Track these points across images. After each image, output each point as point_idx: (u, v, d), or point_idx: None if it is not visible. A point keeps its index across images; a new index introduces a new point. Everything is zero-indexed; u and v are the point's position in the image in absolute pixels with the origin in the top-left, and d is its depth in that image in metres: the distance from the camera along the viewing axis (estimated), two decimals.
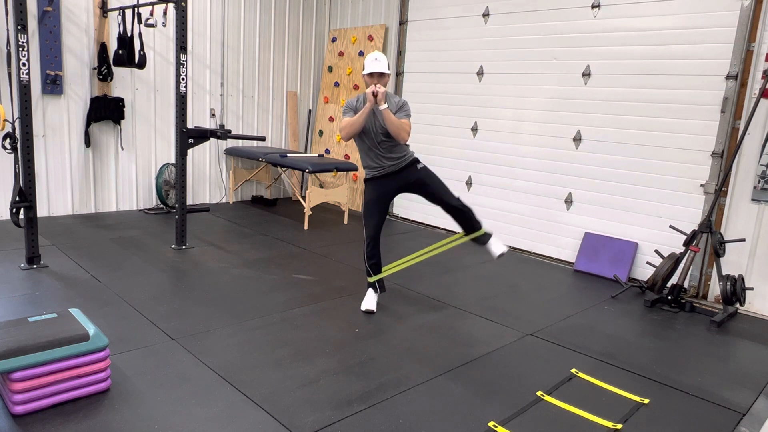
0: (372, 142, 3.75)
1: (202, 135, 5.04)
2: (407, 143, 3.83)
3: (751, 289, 4.33)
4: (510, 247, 5.89)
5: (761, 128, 4.27)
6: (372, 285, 3.92)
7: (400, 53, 6.95)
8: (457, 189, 6.32)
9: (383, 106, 3.57)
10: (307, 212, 6.19)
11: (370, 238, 3.80)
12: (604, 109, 5.16)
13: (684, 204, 4.73)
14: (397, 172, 3.81)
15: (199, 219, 6.16)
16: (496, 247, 3.93)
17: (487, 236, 3.96)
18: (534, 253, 5.75)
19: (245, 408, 2.57)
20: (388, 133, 3.67)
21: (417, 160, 3.87)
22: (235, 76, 7.08)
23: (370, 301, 3.89)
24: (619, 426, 2.64)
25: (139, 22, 5.57)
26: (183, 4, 4.67)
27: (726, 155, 4.49)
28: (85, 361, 2.49)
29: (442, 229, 6.47)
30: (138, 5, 5.47)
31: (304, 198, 6.48)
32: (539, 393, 2.90)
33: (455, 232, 4.13)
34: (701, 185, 4.63)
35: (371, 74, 3.68)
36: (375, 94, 3.55)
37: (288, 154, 6.56)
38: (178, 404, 2.56)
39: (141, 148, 6.35)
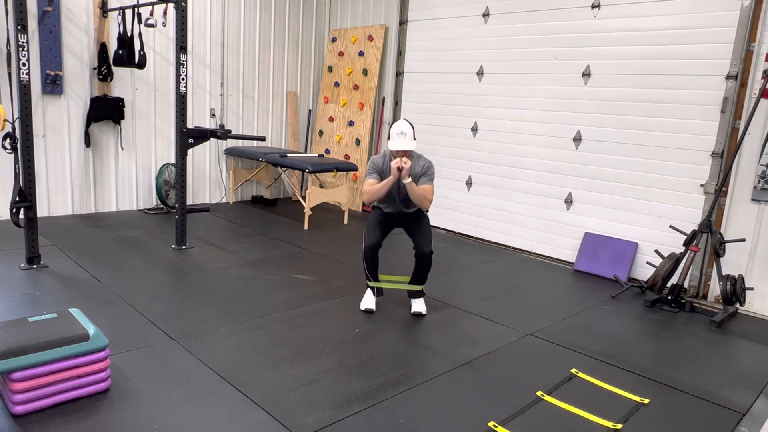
0: (392, 201, 3.86)
1: (202, 135, 5.04)
2: None
3: (751, 289, 4.33)
4: (510, 247, 5.91)
5: (761, 128, 4.27)
6: (371, 288, 3.94)
7: (400, 53, 6.95)
8: (457, 189, 6.35)
9: (407, 180, 3.63)
10: (307, 212, 6.19)
11: (368, 249, 3.81)
12: (604, 109, 5.16)
13: (684, 204, 4.73)
14: (405, 215, 3.93)
15: (199, 219, 6.16)
16: (419, 305, 3.92)
17: (421, 293, 3.97)
18: (534, 253, 5.75)
19: (245, 408, 2.57)
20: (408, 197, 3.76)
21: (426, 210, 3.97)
22: (235, 76, 7.08)
23: (369, 300, 3.90)
24: (619, 426, 2.64)
25: (139, 22, 5.56)
26: (183, 4, 4.67)
27: (726, 155, 4.49)
28: (85, 361, 2.49)
29: (443, 229, 6.47)
30: (138, 5, 5.47)
31: (304, 198, 6.48)
32: (539, 393, 2.90)
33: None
34: (701, 185, 4.63)
35: (396, 150, 3.66)
36: (400, 169, 3.58)
37: (288, 154, 6.56)
38: (178, 404, 2.55)
39: (141, 148, 6.35)
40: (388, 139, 3.72)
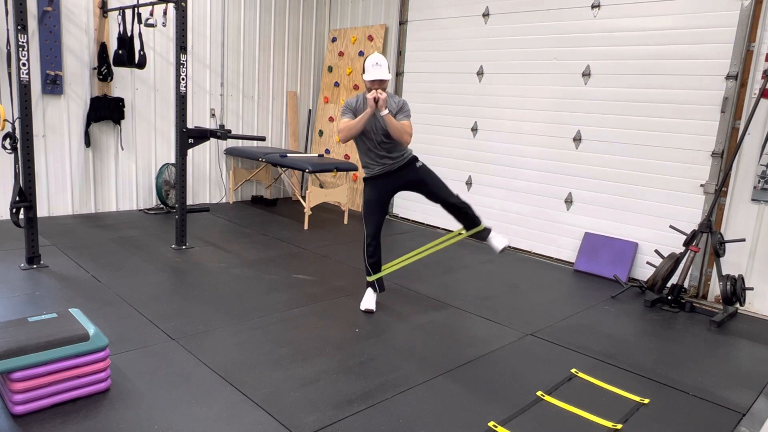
0: (372, 143, 3.75)
1: (202, 135, 5.04)
2: None
3: (751, 289, 4.33)
4: (510, 247, 5.91)
5: (761, 128, 4.27)
6: (371, 284, 3.92)
7: (400, 53, 6.95)
8: (457, 189, 6.34)
9: (384, 112, 3.57)
10: (307, 212, 6.19)
11: (371, 236, 3.80)
12: (604, 109, 5.16)
13: (684, 204, 4.73)
14: (396, 170, 3.82)
15: (199, 219, 6.16)
16: (497, 241, 3.95)
17: (487, 231, 3.98)
18: (534, 253, 5.75)
19: (245, 408, 2.57)
20: (389, 134, 3.67)
21: (416, 159, 3.88)
22: (235, 76, 7.08)
23: (369, 300, 3.89)
24: (619, 426, 2.64)
25: (139, 22, 5.56)
26: (183, 4, 4.67)
27: (726, 155, 4.49)
28: (85, 361, 2.49)
29: (443, 228, 6.47)
30: (138, 5, 5.47)
31: (304, 198, 6.48)
32: (539, 393, 2.90)
33: (454, 231, 4.12)
34: (701, 185, 4.63)
35: (372, 81, 3.65)
36: (376, 100, 3.53)
37: (288, 154, 6.56)
38: (178, 404, 2.55)
39: (141, 148, 6.35)
40: (363, 72, 3.70)
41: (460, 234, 4.05)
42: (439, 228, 6.51)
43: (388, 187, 3.88)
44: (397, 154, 3.79)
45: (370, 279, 3.91)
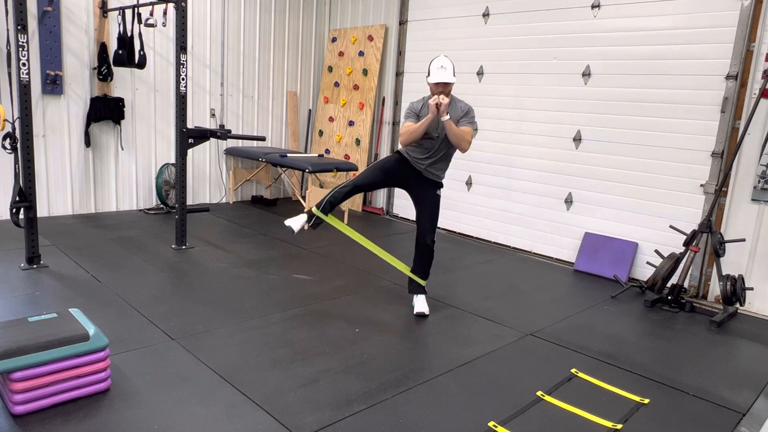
0: (430, 144, 3.72)
1: (202, 135, 5.04)
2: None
3: (751, 289, 4.33)
4: (510, 247, 5.91)
5: (761, 128, 4.27)
6: (312, 214, 3.81)
7: (400, 53, 6.95)
8: (457, 189, 6.35)
9: (445, 117, 3.53)
10: None
11: (352, 185, 3.73)
12: (604, 109, 5.16)
13: (684, 204, 4.73)
14: (421, 175, 3.81)
15: (199, 219, 6.16)
16: (421, 304, 3.87)
17: (422, 289, 3.92)
18: (534, 253, 5.75)
19: (245, 408, 2.57)
20: (448, 140, 3.65)
21: (441, 185, 3.89)
22: (235, 76, 7.08)
23: (298, 221, 3.80)
24: (619, 426, 2.64)
25: (139, 22, 5.57)
26: (183, 4, 4.67)
27: (726, 155, 4.49)
28: (85, 361, 2.49)
29: (443, 229, 6.47)
30: (138, 5, 5.47)
31: (304, 198, 6.48)
32: (539, 393, 2.90)
33: (404, 266, 4.04)
34: (701, 185, 4.63)
35: (436, 83, 3.58)
36: (438, 105, 3.49)
37: (288, 154, 6.56)
38: (178, 404, 2.55)
39: (141, 148, 6.35)
40: (428, 75, 3.63)
41: (405, 269, 3.97)
42: (439, 228, 6.49)
43: (402, 175, 3.84)
44: (437, 168, 3.79)
45: (314, 211, 3.79)
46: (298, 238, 5.73)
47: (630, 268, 4.98)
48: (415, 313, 3.87)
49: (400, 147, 3.84)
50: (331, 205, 3.78)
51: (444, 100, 3.50)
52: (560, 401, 2.83)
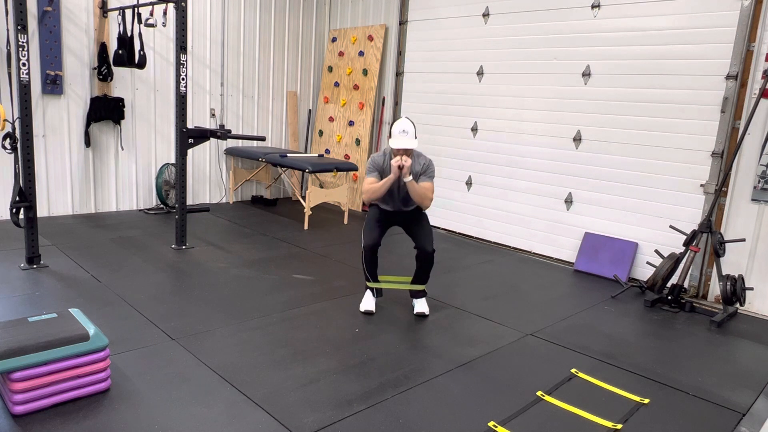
0: (393, 197, 3.83)
1: (202, 135, 5.04)
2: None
3: (751, 289, 4.33)
4: (510, 247, 5.91)
5: (761, 128, 4.27)
6: (368, 287, 3.94)
7: (400, 53, 6.95)
8: (457, 189, 6.35)
9: (408, 179, 3.61)
10: (307, 212, 6.19)
11: (367, 249, 3.80)
12: (604, 109, 5.16)
13: (684, 204, 4.73)
14: (402, 211, 3.91)
15: (199, 219, 6.16)
16: (421, 305, 3.91)
17: (423, 293, 3.96)
18: (534, 253, 5.75)
19: (245, 408, 2.57)
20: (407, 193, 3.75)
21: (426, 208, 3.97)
22: (235, 76, 7.08)
23: (368, 302, 3.90)
24: (619, 426, 2.64)
25: (139, 22, 5.57)
26: (183, 4, 4.67)
27: (726, 155, 4.49)
28: (85, 361, 2.49)
29: (443, 229, 6.47)
30: (138, 5, 5.47)
31: (304, 198, 6.49)
32: (539, 393, 2.90)
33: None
34: (701, 185, 4.63)
35: (397, 149, 3.64)
36: (400, 167, 3.56)
37: (288, 154, 6.56)
38: (178, 404, 2.56)
39: (141, 148, 6.35)
40: (389, 137, 3.70)
41: (405, 284, 4.04)
42: (439, 228, 6.51)
43: (392, 220, 3.95)
44: (411, 204, 3.88)
45: (369, 285, 3.92)
46: (298, 238, 5.73)
47: (630, 268, 4.98)
48: (415, 313, 3.88)
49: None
50: (370, 273, 3.87)
51: (406, 162, 3.55)
52: (560, 401, 2.83)
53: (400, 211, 3.92)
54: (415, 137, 3.67)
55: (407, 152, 3.64)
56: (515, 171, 5.85)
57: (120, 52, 5.67)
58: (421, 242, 3.82)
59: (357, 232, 6.07)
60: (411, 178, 3.63)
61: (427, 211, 4.01)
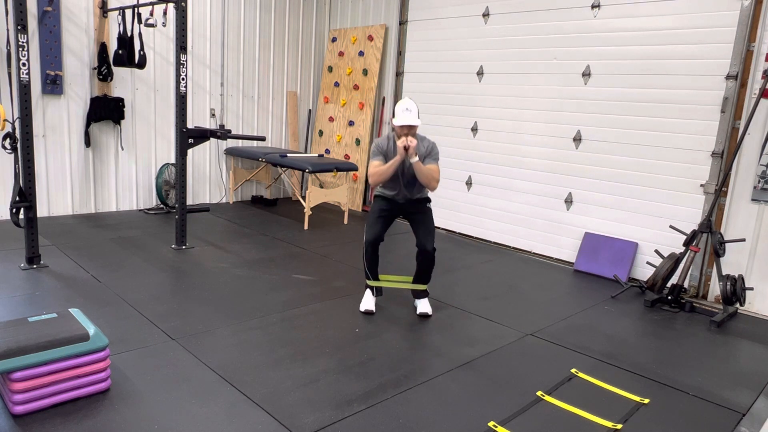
0: (399, 180, 3.82)
1: (202, 135, 5.04)
2: None
3: (751, 289, 4.33)
4: (510, 247, 5.91)
5: (761, 128, 4.27)
6: (370, 287, 3.93)
7: (400, 53, 6.95)
8: (457, 189, 6.35)
9: (414, 159, 3.60)
10: (307, 212, 6.19)
11: (369, 243, 3.80)
12: (604, 109, 5.16)
13: (684, 204, 4.73)
14: (408, 200, 3.89)
15: (199, 219, 6.16)
16: (424, 306, 3.91)
17: (425, 293, 3.96)
18: (534, 253, 5.75)
19: (245, 408, 2.57)
20: (414, 176, 3.73)
21: (428, 200, 3.96)
22: (235, 76, 7.08)
23: (368, 301, 3.89)
24: (619, 426, 2.64)
25: (139, 22, 5.56)
26: (183, 4, 4.67)
27: (726, 155, 4.49)
28: (85, 361, 2.49)
29: (443, 229, 6.47)
30: (138, 5, 5.47)
31: (304, 198, 6.48)
32: (539, 393, 2.90)
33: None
34: (701, 185, 4.63)
35: (402, 126, 3.64)
36: (406, 148, 3.55)
37: (288, 154, 6.56)
38: (178, 404, 2.55)
39: (141, 148, 6.35)
40: (393, 117, 3.68)
41: (406, 283, 4.04)
42: (439, 228, 6.50)
43: (395, 211, 3.94)
44: (417, 189, 3.87)
45: (369, 283, 3.92)
46: (298, 238, 5.73)
47: (630, 268, 4.98)
48: (418, 313, 3.88)
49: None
50: (371, 270, 3.87)
51: (412, 142, 3.56)
52: (560, 401, 2.83)
53: (406, 200, 3.88)
54: (419, 117, 3.69)
55: (412, 132, 3.64)
56: (515, 171, 5.85)
57: (120, 52, 5.67)
58: (422, 240, 3.82)
59: (357, 232, 6.07)
60: (417, 158, 3.61)
61: (435, 213, 3.99)
